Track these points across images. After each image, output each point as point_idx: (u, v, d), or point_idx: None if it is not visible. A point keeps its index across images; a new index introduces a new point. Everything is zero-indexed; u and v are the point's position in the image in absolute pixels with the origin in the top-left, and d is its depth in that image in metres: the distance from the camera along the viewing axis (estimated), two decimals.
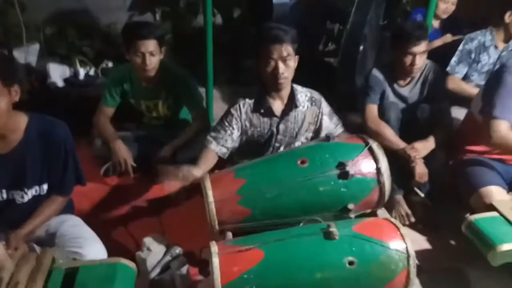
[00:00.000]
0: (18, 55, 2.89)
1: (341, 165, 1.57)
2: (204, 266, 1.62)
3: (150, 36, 2.07)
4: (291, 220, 1.56)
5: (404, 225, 2.06)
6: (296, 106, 1.84)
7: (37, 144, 1.55)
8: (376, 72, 2.27)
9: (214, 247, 1.34)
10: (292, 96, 1.84)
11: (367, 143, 1.65)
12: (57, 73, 3.01)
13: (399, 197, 2.12)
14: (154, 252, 1.62)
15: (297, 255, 1.32)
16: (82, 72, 2.91)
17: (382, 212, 1.65)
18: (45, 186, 1.63)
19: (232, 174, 1.61)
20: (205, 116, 2.36)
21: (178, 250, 1.65)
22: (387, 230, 1.40)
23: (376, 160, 1.60)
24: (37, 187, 1.62)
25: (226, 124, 1.84)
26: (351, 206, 1.56)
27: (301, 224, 1.48)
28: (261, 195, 1.54)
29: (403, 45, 2.10)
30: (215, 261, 1.30)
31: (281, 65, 1.72)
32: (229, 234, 1.55)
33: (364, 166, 1.59)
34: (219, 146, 1.81)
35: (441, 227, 2.06)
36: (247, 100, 1.85)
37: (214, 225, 1.54)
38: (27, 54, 3.00)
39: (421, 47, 2.09)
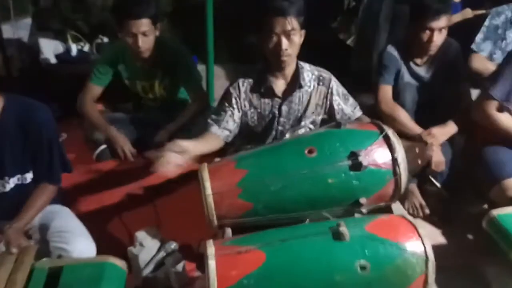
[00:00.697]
0: (7, 29, 2.72)
1: (353, 155, 1.40)
2: (202, 261, 1.49)
3: (143, 15, 1.88)
4: (296, 215, 1.41)
5: (417, 217, 1.93)
6: (301, 86, 1.68)
7: (15, 129, 1.41)
8: (391, 49, 2.08)
9: (211, 248, 1.20)
10: (296, 75, 1.68)
11: (382, 130, 1.48)
12: (50, 49, 2.85)
13: (413, 187, 1.98)
14: (147, 247, 1.50)
15: (302, 258, 1.18)
16: (74, 48, 2.74)
17: (396, 207, 1.50)
18: (28, 175, 1.50)
19: (232, 164, 1.45)
20: (204, 97, 2.20)
21: (173, 245, 1.53)
22: (404, 230, 1.26)
23: (392, 149, 1.44)
24: (19, 176, 1.49)
25: (226, 104, 1.69)
26: (363, 200, 1.41)
27: (307, 220, 1.34)
28: (264, 188, 1.39)
29: (421, 19, 1.91)
30: (211, 263, 1.16)
31: (284, 41, 1.55)
32: (228, 231, 1.41)
33: (378, 156, 1.43)
34: (220, 129, 1.66)
35: (457, 220, 1.91)
36: (247, 78, 1.70)
37: (212, 219, 1.40)
38: (17, 29, 2.83)
39: (440, 22, 1.90)
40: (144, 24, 1.89)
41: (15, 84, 2.63)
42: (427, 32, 1.93)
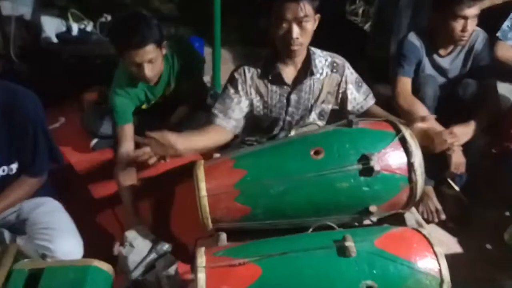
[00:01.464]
0: (7, 6, 2.60)
1: (364, 159, 1.26)
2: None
3: (147, 42, 1.58)
4: (298, 221, 1.29)
5: (432, 222, 1.79)
6: (312, 73, 1.53)
7: None
8: (412, 38, 1.91)
9: (201, 258, 1.09)
10: (308, 62, 1.53)
11: (398, 131, 1.33)
12: (52, 27, 2.72)
13: (429, 189, 1.84)
14: (138, 248, 1.40)
15: (302, 275, 1.07)
16: (75, 28, 2.61)
17: (410, 216, 1.36)
18: (14, 166, 1.41)
19: (230, 163, 1.33)
20: (202, 91, 2.05)
21: (165, 247, 1.42)
22: (417, 246, 1.13)
23: (408, 152, 1.29)
24: (4, 167, 1.40)
25: (232, 91, 1.55)
26: (373, 208, 1.28)
27: (310, 230, 1.21)
28: (263, 191, 1.27)
29: (452, 5, 1.72)
30: (201, 277, 1.05)
31: (295, 28, 1.40)
32: (223, 236, 1.29)
33: (393, 160, 1.28)
34: (226, 119, 1.53)
35: (476, 227, 1.77)
36: (253, 64, 1.57)
37: (207, 223, 1.29)
38: (18, 5, 2.70)
39: (475, 9, 1.71)
40: (149, 51, 1.60)
41: (14, 63, 2.52)
42: (460, 20, 1.75)
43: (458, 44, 1.86)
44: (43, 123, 1.39)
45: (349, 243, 1.08)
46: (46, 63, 2.47)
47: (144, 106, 1.88)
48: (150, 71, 1.64)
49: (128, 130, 1.71)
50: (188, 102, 1.96)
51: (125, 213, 1.61)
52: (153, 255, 1.40)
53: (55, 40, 2.67)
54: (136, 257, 1.39)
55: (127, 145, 1.69)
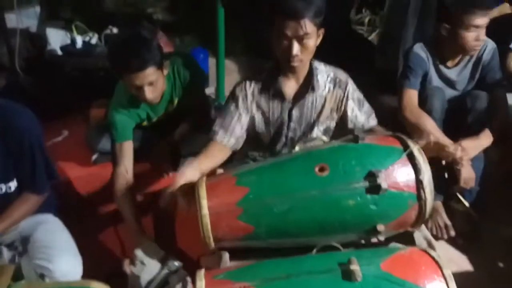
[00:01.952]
0: (12, 18, 2.60)
1: (371, 176, 1.22)
2: None
3: (147, 65, 1.54)
4: (303, 240, 1.26)
5: (441, 239, 1.73)
6: (314, 89, 1.50)
7: None
8: (418, 49, 1.87)
9: (201, 282, 1.06)
10: (310, 76, 1.50)
11: (406, 147, 1.29)
12: (57, 39, 2.72)
13: (438, 204, 1.79)
14: (149, 266, 1.37)
15: None
16: (80, 40, 2.60)
17: (419, 234, 1.31)
18: (12, 183, 1.39)
19: (233, 180, 1.29)
20: (205, 107, 2.01)
21: (176, 263, 1.39)
22: (426, 269, 1.08)
23: (416, 169, 1.25)
24: (2, 185, 1.38)
25: (232, 108, 1.53)
26: (380, 227, 1.23)
27: (314, 251, 1.17)
28: (266, 209, 1.23)
29: (464, 15, 1.68)
30: None
31: (295, 45, 1.37)
32: (226, 257, 1.26)
33: (400, 177, 1.24)
34: (226, 137, 1.50)
35: (487, 244, 1.72)
36: (254, 79, 1.54)
37: (208, 242, 1.25)
38: (23, 18, 2.71)
39: (487, 18, 1.69)
40: (149, 74, 1.55)
41: (19, 76, 2.52)
42: (473, 30, 1.71)
43: (470, 54, 1.82)
44: (39, 140, 1.36)
45: (355, 267, 1.04)
46: (51, 75, 2.47)
47: (145, 123, 1.84)
48: (151, 93, 1.60)
49: (127, 147, 1.67)
50: (191, 118, 1.92)
51: (130, 231, 1.56)
52: (165, 272, 1.36)
53: (59, 52, 2.67)
54: (148, 275, 1.35)
55: (126, 163, 1.64)
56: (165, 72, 1.66)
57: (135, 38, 1.59)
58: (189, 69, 1.80)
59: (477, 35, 1.72)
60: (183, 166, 1.39)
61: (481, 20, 1.69)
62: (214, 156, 1.48)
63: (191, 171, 1.35)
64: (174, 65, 1.75)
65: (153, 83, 1.58)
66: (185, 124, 1.91)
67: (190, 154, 1.67)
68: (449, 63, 1.89)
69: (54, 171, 1.44)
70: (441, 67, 1.89)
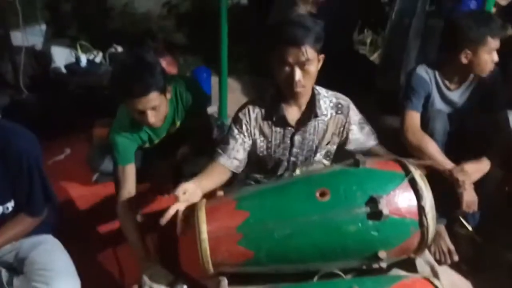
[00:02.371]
0: (17, 36, 2.64)
1: (373, 201, 1.21)
2: None
3: (150, 90, 1.52)
4: (304, 266, 1.24)
5: (444, 264, 1.71)
6: (317, 115, 1.50)
7: None
8: (421, 71, 1.87)
9: None
10: (312, 103, 1.51)
11: (407, 171, 1.29)
12: (62, 57, 2.75)
13: (441, 228, 1.76)
14: None
15: None
16: (84, 59, 2.63)
17: (421, 262, 1.29)
18: (10, 204, 1.38)
19: (233, 204, 1.29)
20: (207, 127, 2.02)
21: (185, 287, 1.37)
22: None
23: (418, 195, 1.24)
24: (0, 206, 1.37)
25: (236, 131, 1.53)
26: (382, 254, 1.22)
27: (315, 278, 1.15)
28: (267, 235, 1.22)
29: (487, 39, 1.71)
30: None
31: (297, 72, 1.37)
32: (224, 282, 1.24)
33: (402, 203, 1.23)
34: (230, 159, 1.51)
35: (491, 270, 1.69)
36: (258, 104, 1.54)
37: (207, 267, 1.24)
38: (29, 36, 2.75)
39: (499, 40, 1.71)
40: (152, 99, 1.54)
41: (23, 93, 2.54)
42: (493, 52, 1.73)
43: (480, 76, 1.83)
44: (38, 163, 1.36)
45: None
46: (55, 93, 2.49)
47: (146, 145, 1.84)
48: (154, 117, 1.59)
49: (129, 170, 1.66)
50: (193, 139, 1.92)
51: (135, 255, 1.55)
52: None
53: (64, 70, 2.69)
54: None
55: (129, 186, 1.64)
56: (168, 96, 1.66)
57: (138, 62, 1.58)
58: (191, 92, 1.80)
59: (494, 58, 1.74)
60: (185, 182, 1.37)
61: (495, 44, 1.72)
62: (215, 176, 1.48)
63: (192, 186, 1.34)
64: (176, 88, 1.75)
65: (156, 107, 1.58)
66: (187, 144, 1.90)
67: (192, 175, 1.65)
68: (452, 86, 1.89)
69: (51, 194, 1.43)
70: (444, 90, 1.89)
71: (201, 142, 1.89)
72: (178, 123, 1.82)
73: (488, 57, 1.74)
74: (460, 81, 1.87)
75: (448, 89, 1.89)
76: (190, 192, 1.32)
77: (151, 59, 1.60)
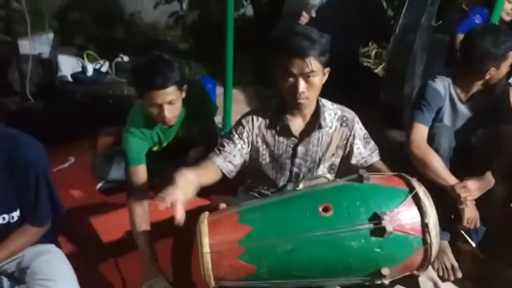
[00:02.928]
0: (25, 45, 2.67)
1: (376, 218, 1.20)
2: None
3: (168, 83, 1.59)
4: (306, 282, 1.24)
5: (448, 280, 1.69)
6: (321, 127, 1.50)
7: (0, 165, 1.28)
8: (437, 84, 1.84)
9: None
10: (317, 114, 1.51)
11: (411, 188, 1.28)
12: (68, 66, 2.78)
13: (444, 244, 1.75)
14: None
15: None
16: (90, 68, 2.65)
17: (424, 279, 1.28)
18: (15, 214, 1.38)
19: (235, 217, 1.28)
20: (213, 137, 2.03)
21: None
22: None
23: (422, 212, 1.23)
24: (5, 215, 1.37)
25: (236, 136, 1.54)
26: (385, 271, 1.21)
27: None
28: (269, 250, 1.22)
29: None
30: None
31: (302, 83, 1.38)
32: None
33: (406, 219, 1.22)
34: (225, 162, 1.51)
35: (495, 287, 1.66)
36: (262, 113, 1.55)
37: (209, 281, 1.23)
38: (36, 44, 2.78)
39: None
40: (170, 92, 1.60)
41: (29, 101, 2.57)
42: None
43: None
44: (45, 172, 1.36)
45: None
46: (60, 102, 2.51)
47: (155, 148, 1.86)
48: (170, 112, 1.63)
49: (141, 171, 1.69)
50: (200, 144, 1.94)
51: (142, 259, 1.56)
52: None
53: (70, 79, 2.71)
54: None
55: (141, 187, 1.66)
56: (183, 95, 1.70)
57: (158, 58, 1.64)
58: (199, 95, 1.85)
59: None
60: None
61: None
62: (208, 173, 1.46)
63: (190, 173, 1.31)
64: (187, 90, 1.78)
65: (173, 102, 1.63)
66: (197, 149, 1.92)
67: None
68: (465, 98, 1.87)
69: (59, 205, 1.43)
70: (457, 102, 1.86)
71: (208, 149, 1.90)
72: (185, 126, 1.85)
73: (506, 69, 1.77)
74: (474, 94, 1.86)
75: (461, 101, 1.87)
76: (188, 179, 1.29)
77: (169, 57, 1.67)
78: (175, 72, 1.61)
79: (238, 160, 1.52)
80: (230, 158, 1.51)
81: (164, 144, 1.87)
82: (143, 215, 1.61)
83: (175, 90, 1.61)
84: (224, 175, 1.51)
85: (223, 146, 1.53)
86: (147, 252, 1.56)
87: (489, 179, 1.71)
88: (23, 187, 1.33)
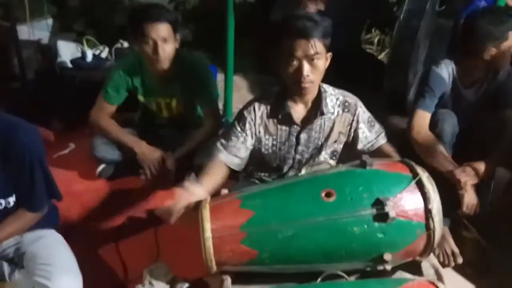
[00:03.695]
0: (24, 30, 2.64)
1: (379, 203, 1.20)
2: None
3: (162, 18, 1.76)
4: (308, 267, 1.23)
5: (448, 266, 1.69)
6: (323, 113, 1.49)
7: None
8: (442, 69, 1.82)
9: None
10: (318, 100, 1.49)
11: (414, 173, 1.27)
12: (67, 52, 2.74)
13: (445, 229, 1.74)
14: (157, 287, 1.35)
15: None
16: (90, 54, 2.62)
17: (426, 265, 1.28)
18: (11, 199, 1.38)
19: (237, 203, 1.27)
20: (216, 117, 2.02)
21: (185, 286, 1.37)
22: None
23: (425, 197, 1.22)
24: (1, 200, 1.37)
25: (239, 129, 1.52)
26: (387, 256, 1.20)
27: (319, 280, 1.14)
28: (271, 235, 1.21)
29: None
30: None
31: (306, 66, 1.36)
32: (228, 281, 1.23)
33: (409, 205, 1.21)
34: (230, 156, 1.50)
35: (497, 273, 1.67)
36: (263, 101, 1.53)
37: (211, 265, 1.23)
38: (35, 30, 2.75)
39: None
40: (164, 29, 1.76)
41: (28, 86, 2.54)
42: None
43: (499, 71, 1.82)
44: (41, 158, 1.35)
45: None
46: (60, 87, 2.49)
47: (141, 99, 1.99)
48: (163, 50, 1.76)
49: (107, 109, 1.97)
50: (199, 132, 1.96)
51: (127, 143, 1.87)
52: None
53: (69, 65, 2.69)
54: None
55: (104, 118, 1.95)
56: (177, 45, 1.84)
57: (154, 4, 1.84)
58: (204, 72, 1.96)
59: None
60: (188, 184, 1.37)
61: None
62: (216, 174, 1.48)
63: (196, 188, 1.35)
64: (186, 60, 1.92)
65: (167, 40, 1.76)
66: (194, 137, 1.93)
67: (199, 166, 1.66)
68: (469, 83, 1.85)
69: (55, 190, 1.43)
70: (460, 87, 1.85)
71: (211, 132, 1.93)
72: (178, 92, 1.95)
73: (508, 52, 1.73)
74: (477, 78, 1.83)
75: (464, 86, 1.85)
76: (196, 195, 1.32)
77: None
78: (169, 12, 1.81)
79: (243, 153, 1.52)
80: (235, 152, 1.51)
81: (155, 105, 2.00)
82: (107, 119, 1.92)
83: (169, 29, 1.77)
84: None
85: (226, 141, 1.52)
86: (128, 136, 1.90)
87: (490, 164, 1.70)
88: (19, 172, 1.32)
